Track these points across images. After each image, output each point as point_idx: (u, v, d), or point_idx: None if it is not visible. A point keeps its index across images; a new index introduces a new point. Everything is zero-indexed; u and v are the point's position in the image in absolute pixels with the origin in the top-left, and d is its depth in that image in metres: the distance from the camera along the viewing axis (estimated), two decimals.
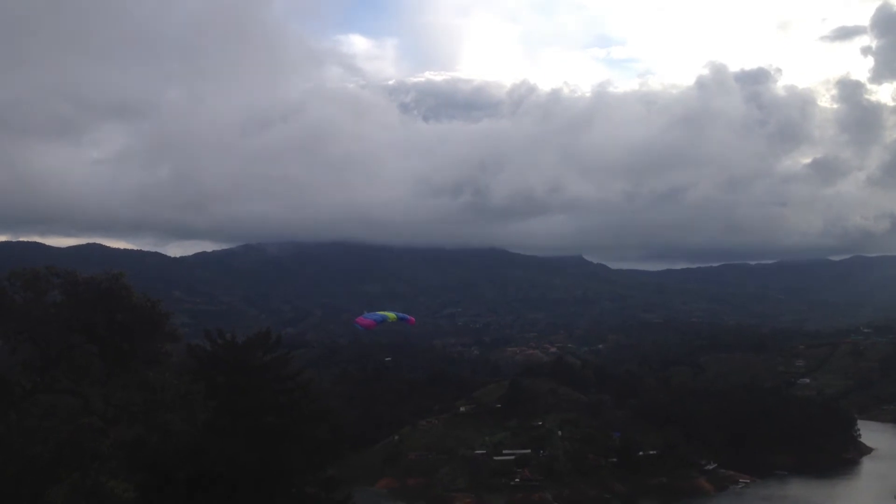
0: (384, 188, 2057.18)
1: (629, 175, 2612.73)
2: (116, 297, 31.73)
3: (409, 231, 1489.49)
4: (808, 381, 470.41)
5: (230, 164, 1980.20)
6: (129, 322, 31.74)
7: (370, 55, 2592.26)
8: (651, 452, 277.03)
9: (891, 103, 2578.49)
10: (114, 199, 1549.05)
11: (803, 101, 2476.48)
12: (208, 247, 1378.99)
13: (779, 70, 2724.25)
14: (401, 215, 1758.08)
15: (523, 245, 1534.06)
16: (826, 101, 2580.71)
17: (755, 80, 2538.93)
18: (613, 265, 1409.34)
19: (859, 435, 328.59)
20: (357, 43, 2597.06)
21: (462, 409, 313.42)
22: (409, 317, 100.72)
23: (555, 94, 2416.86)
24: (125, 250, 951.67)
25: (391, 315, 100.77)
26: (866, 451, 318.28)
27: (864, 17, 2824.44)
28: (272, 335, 60.22)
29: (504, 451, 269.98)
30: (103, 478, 26.73)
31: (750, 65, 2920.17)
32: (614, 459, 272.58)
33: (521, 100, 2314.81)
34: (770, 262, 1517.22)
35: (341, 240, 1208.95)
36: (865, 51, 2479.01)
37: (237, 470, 51.55)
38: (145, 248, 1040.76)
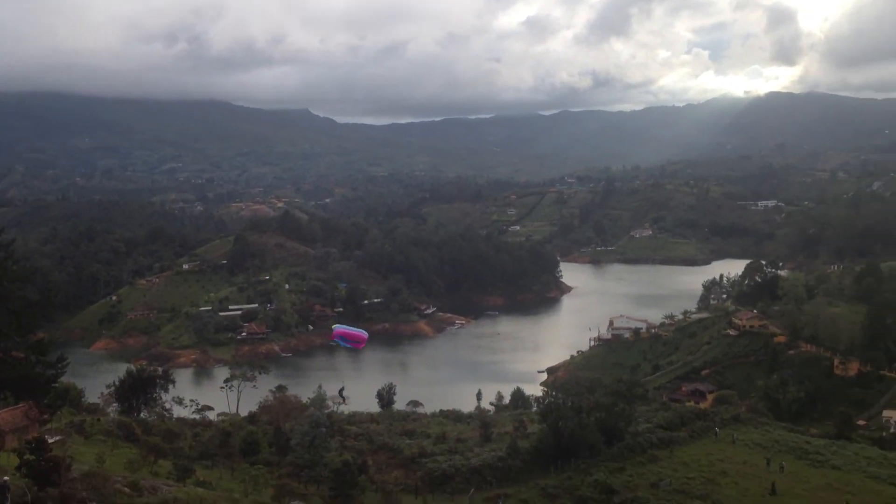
0: (90, 33, 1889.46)
1: (352, 27, 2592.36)
2: None
3: (121, 80, 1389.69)
4: (518, 228, 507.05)
5: None
6: None
7: None
8: (376, 300, 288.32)
9: None
10: None
11: None
12: None
13: None
14: (111, 63, 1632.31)
15: (247, 97, 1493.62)
16: None
17: None
18: (340, 119, 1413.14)
19: (561, 276, 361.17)
20: None
21: (185, 266, 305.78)
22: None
23: None
24: None
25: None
26: (567, 289, 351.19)
27: None
28: None
29: (230, 307, 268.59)
30: None
31: None
32: (341, 309, 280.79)
33: None
34: (487, 116, 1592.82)
35: (45, 89, 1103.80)
36: None
37: None
38: None
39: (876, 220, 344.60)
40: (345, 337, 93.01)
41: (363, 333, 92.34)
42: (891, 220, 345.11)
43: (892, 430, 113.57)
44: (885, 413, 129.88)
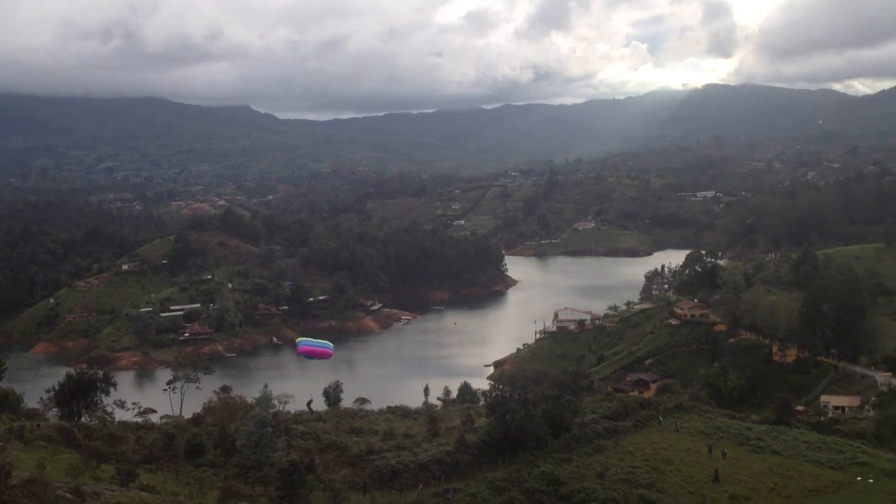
0: (22, 30, 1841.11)
1: (292, 22, 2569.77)
2: None
3: (56, 78, 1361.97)
4: (463, 222, 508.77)
5: None
6: None
7: None
8: (321, 297, 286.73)
9: None
10: None
11: None
12: None
13: None
14: (44, 61, 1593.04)
15: (186, 94, 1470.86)
16: None
17: None
18: (281, 115, 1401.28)
19: (506, 269, 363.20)
20: None
21: (125, 266, 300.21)
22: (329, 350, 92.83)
23: None
24: None
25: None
26: (512, 283, 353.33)
27: None
28: None
29: (172, 308, 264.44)
30: None
31: None
32: (286, 307, 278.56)
33: None
34: (430, 110, 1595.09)
35: None
36: None
37: None
38: None
39: (811, 209, 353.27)
40: (310, 354, 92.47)
41: (328, 349, 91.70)
42: (825, 208, 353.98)
43: (829, 415, 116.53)
44: (823, 398, 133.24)
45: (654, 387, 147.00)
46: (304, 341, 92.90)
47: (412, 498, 70.92)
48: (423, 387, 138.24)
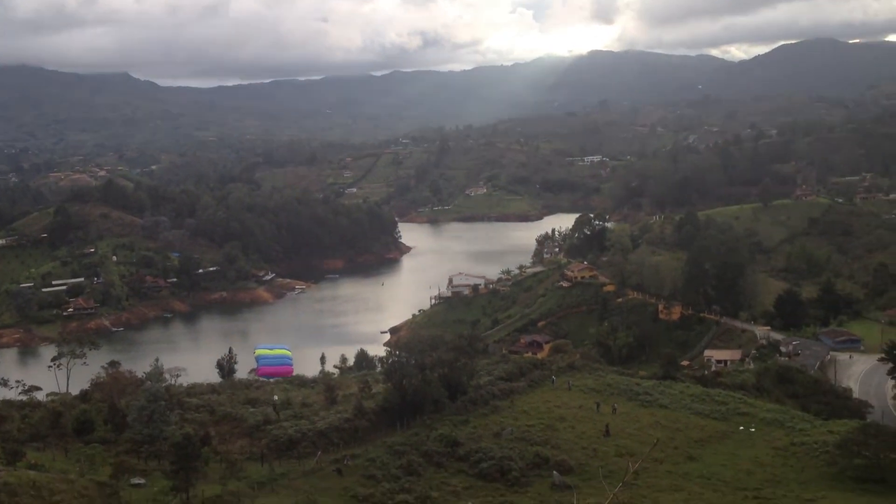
0: None
1: None
2: None
3: None
4: (355, 190, 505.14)
5: None
6: None
7: None
8: (211, 269, 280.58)
9: None
10: None
11: None
12: None
13: None
14: None
15: (61, 62, 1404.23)
16: None
17: None
18: (162, 82, 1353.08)
19: (400, 236, 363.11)
20: None
21: (2, 241, 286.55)
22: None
23: None
24: None
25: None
26: (406, 249, 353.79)
27: None
28: None
29: (54, 283, 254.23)
30: None
31: None
32: (174, 279, 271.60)
33: None
34: (318, 77, 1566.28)
35: None
36: None
37: None
38: None
39: (692, 172, 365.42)
40: (270, 375, 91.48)
41: (288, 365, 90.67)
42: (706, 171, 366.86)
43: (713, 369, 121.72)
44: (707, 353, 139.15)
45: (547, 347, 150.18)
46: (263, 358, 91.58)
47: (310, 465, 70.84)
48: (320, 355, 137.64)
